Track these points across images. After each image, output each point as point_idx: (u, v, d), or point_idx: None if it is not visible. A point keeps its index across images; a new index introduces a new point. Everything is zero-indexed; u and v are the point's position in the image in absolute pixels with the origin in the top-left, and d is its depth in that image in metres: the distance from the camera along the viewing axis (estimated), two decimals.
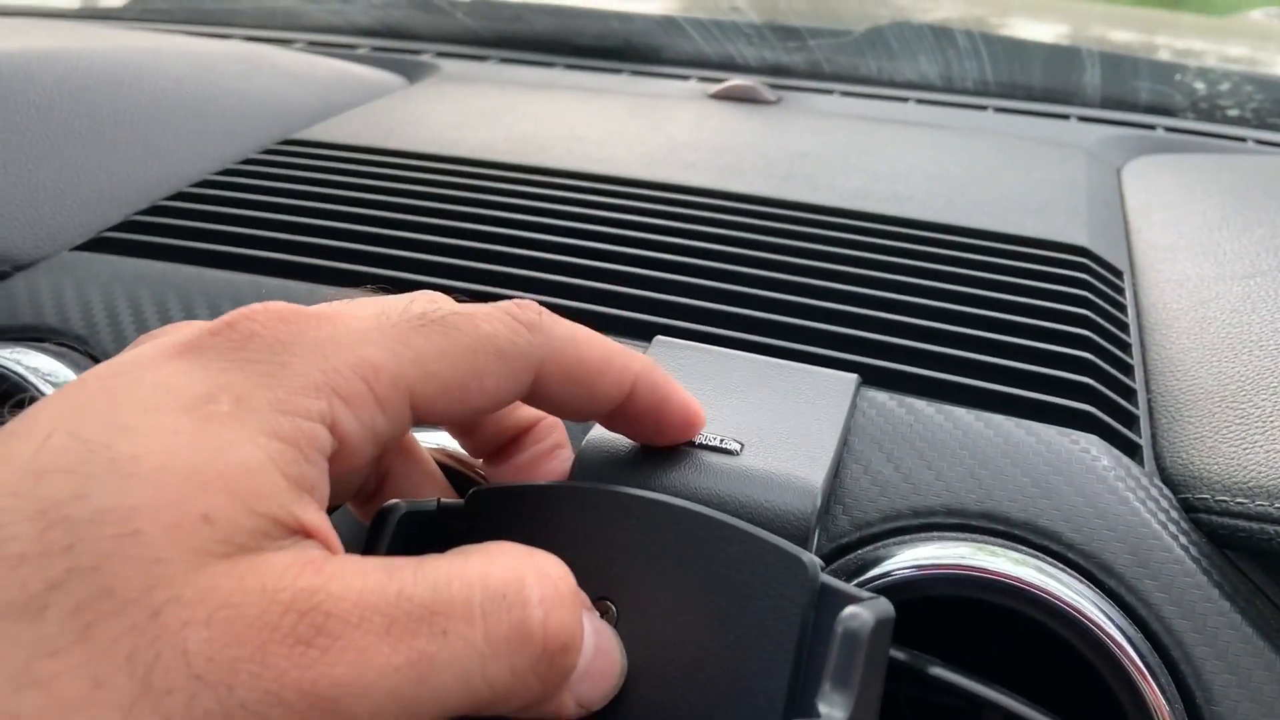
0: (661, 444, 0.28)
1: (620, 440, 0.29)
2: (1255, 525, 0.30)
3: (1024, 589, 0.29)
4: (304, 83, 0.66)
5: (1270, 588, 0.30)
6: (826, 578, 0.23)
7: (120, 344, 0.39)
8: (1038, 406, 0.35)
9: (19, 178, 0.46)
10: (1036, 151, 0.61)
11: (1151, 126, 0.70)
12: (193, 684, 0.16)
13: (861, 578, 0.30)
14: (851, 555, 0.31)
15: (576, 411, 0.26)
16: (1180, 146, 0.66)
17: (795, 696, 0.22)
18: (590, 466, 0.28)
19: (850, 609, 0.22)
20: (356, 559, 0.19)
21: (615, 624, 0.24)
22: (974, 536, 0.31)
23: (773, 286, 0.42)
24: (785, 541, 0.24)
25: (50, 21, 0.84)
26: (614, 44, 0.82)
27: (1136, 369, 0.40)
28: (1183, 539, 0.31)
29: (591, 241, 0.45)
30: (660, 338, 0.36)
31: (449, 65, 0.78)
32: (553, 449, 0.29)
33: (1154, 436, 0.36)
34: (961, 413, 0.34)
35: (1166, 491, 0.33)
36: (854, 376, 0.34)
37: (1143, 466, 0.34)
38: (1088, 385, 0.37)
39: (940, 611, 0.32)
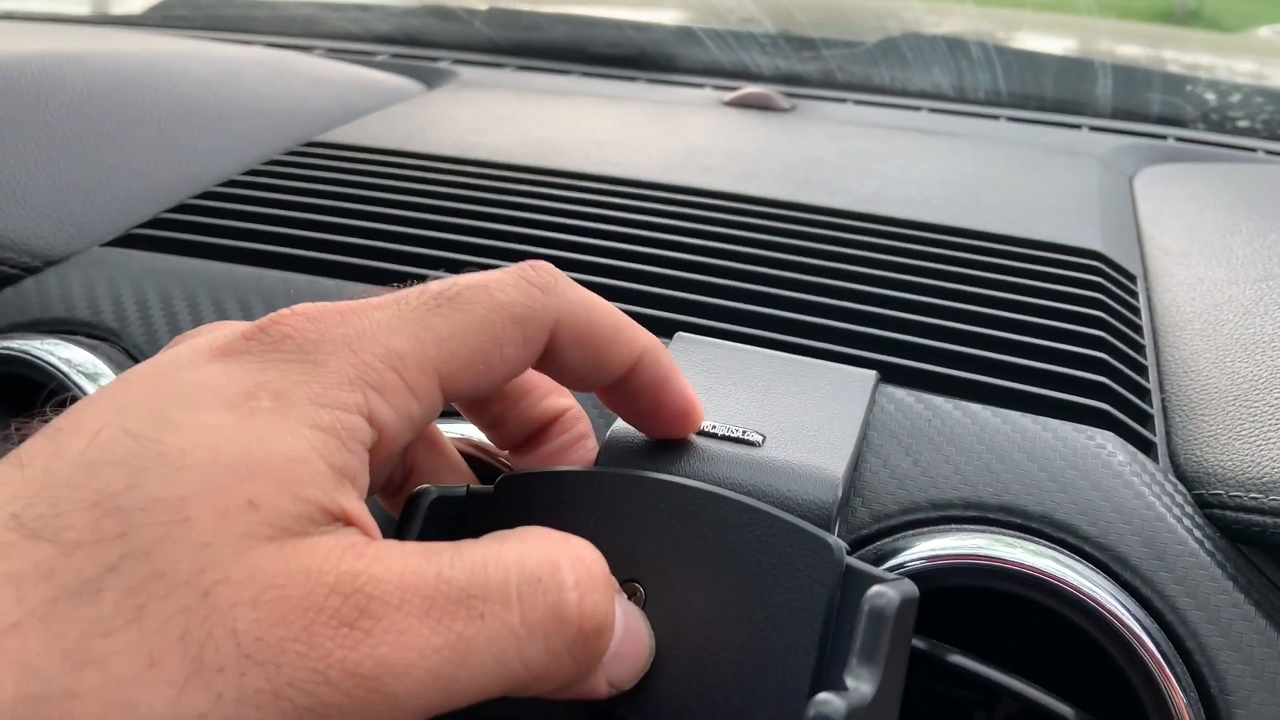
0: (658, 432, 0.28)
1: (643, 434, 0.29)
2: (1269, 520, 0.30)
3: (1042, 579, 0.29)
4: (325, 87, 0.67)
5: None
6: (851, 560, 0.24)
7: (151, 337, 0.40)
8: (1054, 404, 0.36)
9: (50, 176, 0.47)
10: (1049, 159, 0.61)
11: (1163, 136, 0.71)
12: (242, 662, 0.17)
13: (880, 568, 0.30)
14: (870, 546, 0.32)
15: (583, 379, 0.26)
16: (1191, 156, 0.67)
17: (821, 675, 0.23)
18: (615, 456, 0.29)
19: (877, 588, 0.22)
20: (396, 544, 0.20)
21: (643, 606, 0.25)
22: (991, 529, 0.32)
23: (790, 286, 0.43)
24: (810, 525, 0.24)
25: (76, 27, 0.86)
26: (630, 52, 0.83)
27: (1151, 369, 0.40)
28: (1197, 533, 0.31)
29: (611, 241, 0.46)
30: (681, 334, 0.36)
31: (467, 72, 0.79)
32: (578, 439, 0.30)
33: (1168, 434, 0.36)
34: (979, 409, 0.35)
35: (1181, 487, 0.33)
36: (873, 373, 0.34)
37: (1158, 463, 0.34)
38: (1103, 384, 0.37)
39: (957, 604, 0.32)
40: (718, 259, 0.45)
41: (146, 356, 0.39)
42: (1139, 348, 0.41)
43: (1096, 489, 0.32)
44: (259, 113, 0.60)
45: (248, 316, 0.40)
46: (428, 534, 0.26)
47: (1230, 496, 0.32)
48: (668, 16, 0.90)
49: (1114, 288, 0.45)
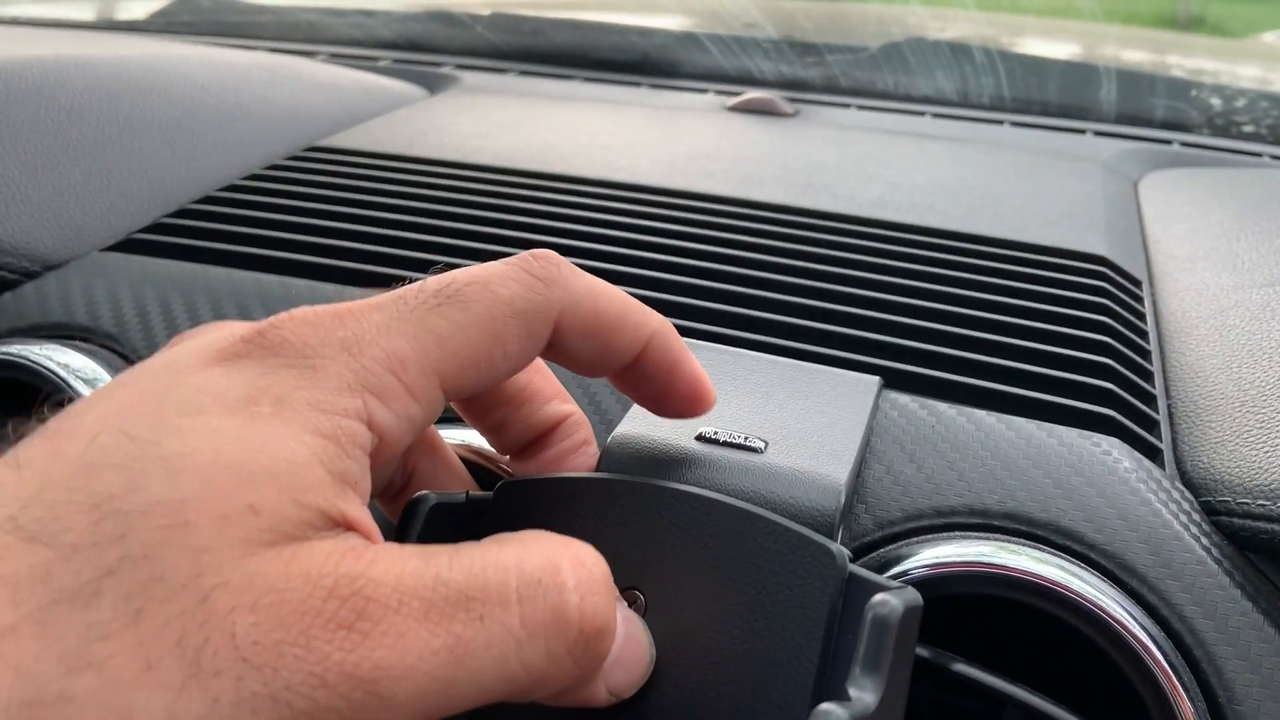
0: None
1: (646, 437, 0.29)
2: (1276, 527, 0.30)
3: (1048, 587, 0.29)
4: (328, 92, 0.67)
5: None
6: (854, 567, 0.23)
7: (150, 342, 0.40)
8: (1059, 410, 0.36)
9: (51, 180, 0.47)
10: (1054, 164, 0.61)
11: (1168, 142, 0.70)
12: (240, 666, 0.17)
13: (884, 576, 0.30)
14: (874, 554, 0.32)
15: (591, 366, 0.26)
16: (1196, 161, 0.67)
17: (824, 684, 0.22)
18: (616, 462, 0.29)
19: (880, 596, 0.22)
20: (395, 547, 0.20)
21: (643, 613, 0.24)
22: (996, 536, 0.31)
23: (794, 291, 0.42)
24: (813, 532, 0.24)
25: (80, 32, 0.86)
26: (632, 58, 0.83)
27: (1157, 375, 0.40)
28: (1204, 540, 0.31)
29: (613, 246, 0.45)
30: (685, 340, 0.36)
31: (469, 77, 0.79)
32: (579, 445, 0.30)
33: (1175, 440, 0.36)
34: (983, 415, 0.34)
35: (1188, 494, 0.33)
36: (876, 379, 0.34)
37: (1164, 469, 0.34)
38: (1109, 390, 0.37)
39: (961, 613, 0.32)
40: (721, 264, 0.44)
41: None
42: (1145, 353, 0.41)
43: (1103, 496, 0.32)
44: (261, 117, 0.60)
45: (247, 320, 0.40)
46: (426, 540, 0.25)
47: (1238, 503, 0.32)
48: (671, 22, 0.90)
49: (1119, 293, 0.44)
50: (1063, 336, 0.40)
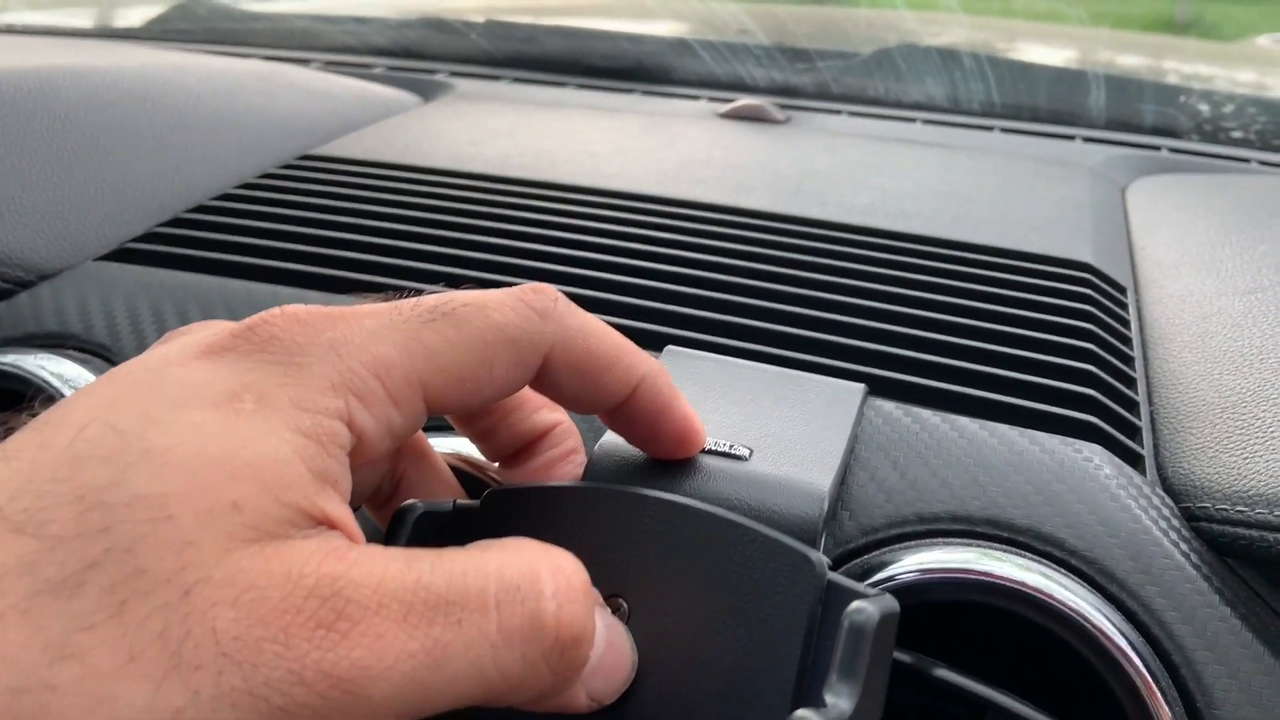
0: (658, 454, 0.28)
1: (631, 447, 0.29)
2: (1255, 533, 0.30)
3: (1028, 593, 0.29)
4: (321, 100, 0.67)
5: (1270, 594, 0.31)
6: (834, 575, 0.24)
7: (143, 352, 0.40)
8: (1042, 417, 0.36)
9: (44, 190, 0.48)
10: (1042, 170, 0.62)
11: (1156, 147, 0.71)
12: (220, 660, 0.17)
13: (867, 582, 0.30)
14: (857, 560, 0.32)
15: (579, 402, 0.26)
16: (1184, 167, 0.67)
17: (803, 690, 0.23)
18: (602, 469, 0.29)
19: (856, 604, 0.22)
20: (378, 549, 0.20)
21: (627, 620, 0.25)
22: (978, 542, 0.32)
23: (782, 299, 0.43)
24: (793, 540, 0.24)
25: (74, 41, 0.86)
26: (625, 64, 0.83)
27: (1139, 382, 0.40)
28: (1184, 546, 0.31)
29: (604, 254, 0.46)
30: (671, 347, 0.36)
31: (463, 84, 0.80)
32: (567, 453, 0.30)
33: (1156, 447, 0.37)
34: (967, 422, 0.35)
35: (1168, 500, 0.33)
36: (861, 386, 0.34)
37: (1145, 476, 0.34)
38: (1091, 397, 0.37)
39: (944, 618, 0.32)
40: (710, 271, 0.45)
41: None
42: (1128, 360, 0.41)
43: (1083, 502, 0.32)
44: (254, 126, 0.60)
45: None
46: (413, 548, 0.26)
47: (1217, 509, 0.32)
48: (663, 29, 0.91)
49: (1104, 300, 0.45)
50: (1047, 343, 0.40)
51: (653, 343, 0.39)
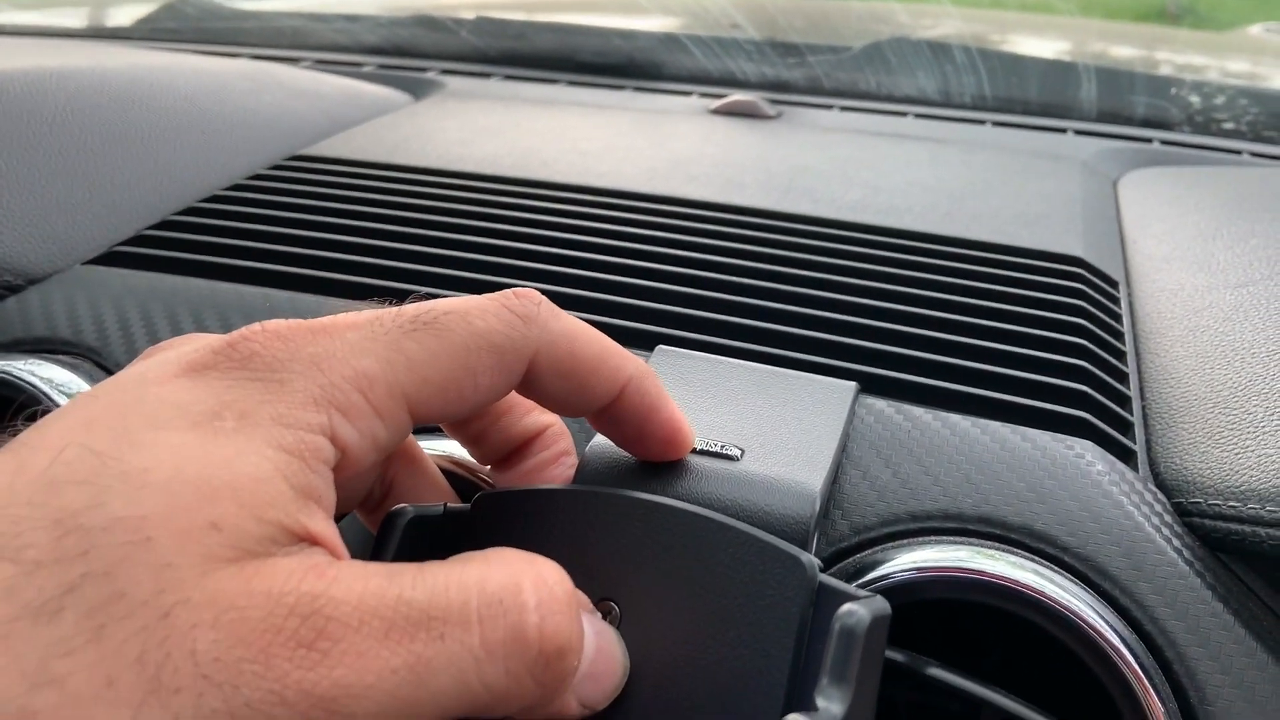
0: (646, 456, 0.28)
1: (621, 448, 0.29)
2: (1247, 528, 0.30)
3: (1020, 591, 0.29)
4: (311, 100, 0.67)
5: (1263, 590, 0.31)
6: (824, 577, 0.24)
7: (132, 356, 0.40)
8: (1034, 413, 0.36)
9: (33, 193, 0.47)
10: (1033, 164, 0.62)
11: (1148, 140, 0.71)
12: (200, 683, 0.17)
13: (860, 580, 0.30)
14: (850, 559, 0.32)
15: (566, 406, 0.26)
16: (1176, 159, 0.67)
17: (794, 692, 0.23)
18: (593, 472, 0.29)
19: (847, 606, 0.22)
20: (359, 565, 0.20)
21: (618, 625, 0.25)
22: (971, 540, 0.32)
23: (773, 297, 0.43)
24: (784, 542, 0.24)
25: (62, 41, 0.86)
26: (616, 61, 0.83)
27: (1131, 376, 0.40)
28: (1176, 542, 0.31)
29: (595, 254, 0.46)
30: (662, 347, 0.36)
31: (454, 82, 0.79)
32: (559, 456, 0.30)
33: (1148, 442, 0.36)
34: (958, 419, 0.35)
35: (1160, 496, 0.33)
36: (853, 384, 0.34)
37: (1137, 472, 0.34)
38: (1083, 393, 0.37)
39: (938, 616, 0.32)
40: (701, 270, 0.45)
41: None
42: (1120, 355, 0.41)
43: (1075, 499, 0.32)
44: (244, 126, 0.60)
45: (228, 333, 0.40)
46: (403, 554, 0.26)
47: (1209, 505, 0.32)
48: (654, 24, 0.90)
49: (1095, 294, 0.45)
50: (1038, 339, 0.40)
51: (645, 342, 0.39)
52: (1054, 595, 0.29)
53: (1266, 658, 0.29)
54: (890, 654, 0.29)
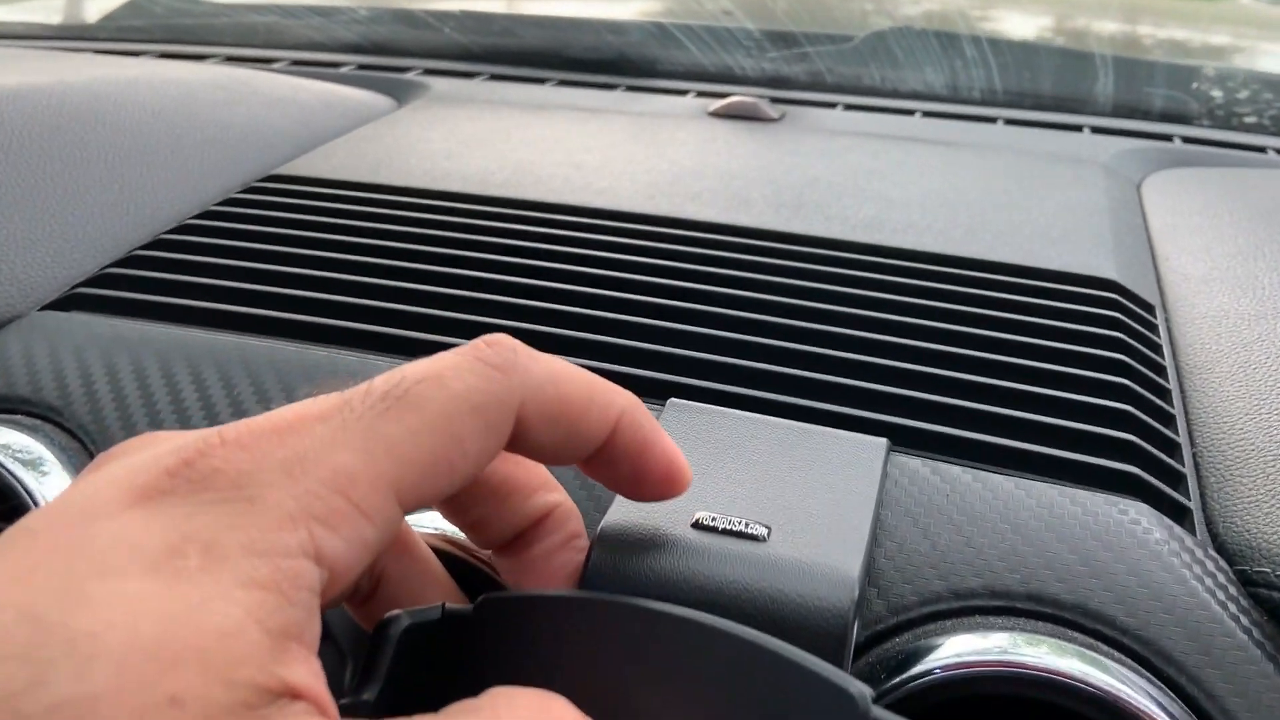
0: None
1: (638, 526, 0.27)
2: None
3: (1081, 688, 0.27)
4: (288, 109, 0.63)
5: None
6: (878, 711, 0.21)
7: (96, 415, 0.37)
8: (1078, 468, 0.33)
9: None
10: (1054, 170, 0.58)
11: (1168, 136, 0.68)
12: None
13: (903, 675, 0.28)
14: (889, 644, 0.29)
15: (558, 455, 0.24)
16: (1199, 159, 0.64)
17: None
18: (607, 559, 0.26)
19: None
20: None
21: None
22: (1020, 620, 0.29)
23: (790, 336, 0.40)
24: (831, 669, 0.21)
25: (22, 50, 0.82)
26: (608, 56, 0.79)
27: (1179, 419, 0.37)
28: (1244, 620, 0.29)
29: (595, 288, 0.43)
30: (674, 401, 0.34)
31: (438, 84, 0.76)
32: (568, 539, 0.27)
33: (1203, 498, 0.34)
34: (999, 480, 0.32)
35: (1222, 563, 0.30)
36: (883, 441, 0.32)
37: (1194, 534, 0.32)
38: (1130, 443, 0.34)
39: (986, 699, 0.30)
40: (710, 305, 0.42)
41: (92, 438, 0.37)
42: (1164, 394, 0.38)
43: (1133, 573, 0.29)
44: (216, 143, 0.56)
45: (201, 388, 0.37)
46: (399, 667, 0.23)
47: (1277, 575, 0.29)
48: (645, 15, 0.87)
49: (1134, 324, 0.42)
50: (1076, 380, 0.37)
51: (653, 390, 0.36)
52: (1118, 692, 0.26)
53: None
54: None
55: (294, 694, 0.17)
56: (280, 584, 0.18)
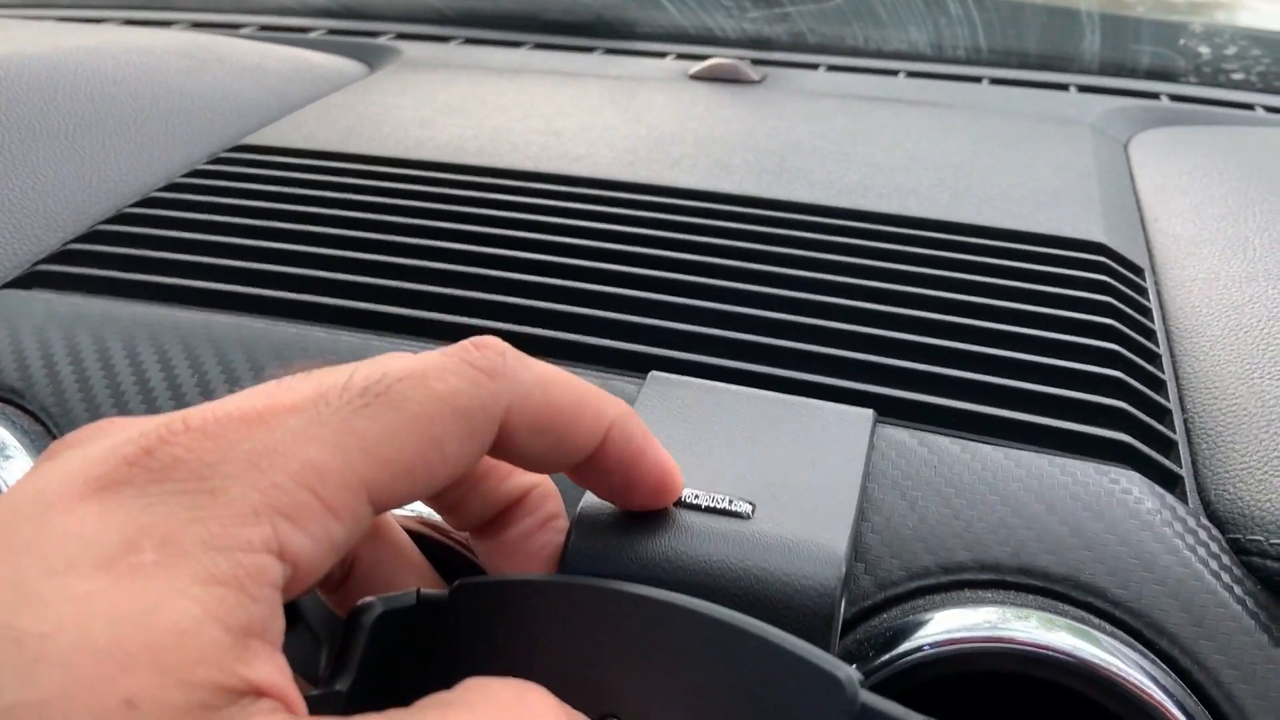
0: (634, 506, 0.26)
1: (617, 508, 0.26)
2: None
3: (1074, 663, 0.26)
4: (256, 76, 0.61)
5: None
6: (867, 695, 0.20)
7: (59, 397, 0.35)
8: (1067, 436, 0.33)
9: None
10: (1041, 131, 0.57)
11: (1155, 95, 0.67)
12: None
13: (892, 652, 0.27)
14: (877, 620, 0.29)
15: (545, 464, 0.23)
16: (1187, 117, 0.63)
17: None
18: (586, 539, 0.26)
19: None
20: None
21: None
22: (1010, 594, 0.28)
23: (773, 305, 0.39)
24: (818, 653, 0.21)
25: None
26: (585, 18, 0.77)
27: (1169, 384, 0.37)
28: (1238, 589, 0.28)
29: (575, 258, 0.41)
30: (655, 374, 0.33)
31: (411, 49, 0.74)
32: (546, 520, 0.26)
33: (1195, 465, 0.33)
34: (987, 450, 0.31)
35: (1214, 532, 0.30)
36: (869, 413, 0.31)
37: (1186, 503, 0.31)
38: (1120, 409, 0.34)
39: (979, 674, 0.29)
40: (691, 274, 0.40)
41: (55, 420, 0.35)
42: (1154, 358, 0.38)
43: (1125, 544, 0.29)
44: (182, 112, 0.55)
45: (166, 368, 0.36)
46: (372, 654, 0.23)
47: (1271, 544, 0.29)
48: None
49: (1123, 287, 0.41)
50: (1065, 346, 0.37)
51: (636, 363, 0.36)
52: (1110, 665, 0.26)
53: None
54: None
55: (258, 692, 0.17)
56: (241, 580, 0.17)
